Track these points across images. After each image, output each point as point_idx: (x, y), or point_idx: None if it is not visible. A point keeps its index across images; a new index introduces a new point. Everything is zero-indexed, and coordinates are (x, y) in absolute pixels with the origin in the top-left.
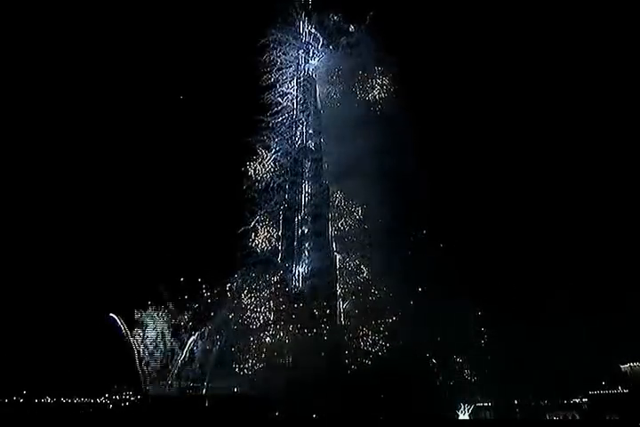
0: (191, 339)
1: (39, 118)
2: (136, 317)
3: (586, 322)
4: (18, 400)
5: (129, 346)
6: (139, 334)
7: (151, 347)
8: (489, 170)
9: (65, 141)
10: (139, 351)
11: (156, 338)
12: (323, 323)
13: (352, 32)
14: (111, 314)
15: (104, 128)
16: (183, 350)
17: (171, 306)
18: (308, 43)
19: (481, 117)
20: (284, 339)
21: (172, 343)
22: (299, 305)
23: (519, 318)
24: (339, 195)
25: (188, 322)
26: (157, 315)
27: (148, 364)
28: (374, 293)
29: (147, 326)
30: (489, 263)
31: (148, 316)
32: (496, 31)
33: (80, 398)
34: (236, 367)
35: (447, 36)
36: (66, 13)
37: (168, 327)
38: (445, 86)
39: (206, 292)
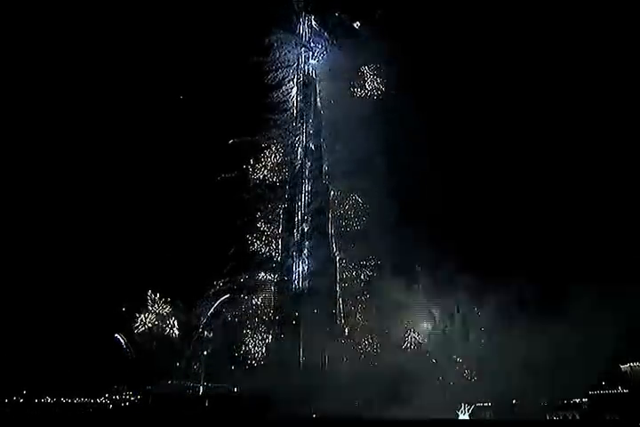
0: (196, 338)
1: (40, 119)
2: (140, 314)
3: (586, 322)
4: (18, 400)
5: (131, 346)
6: (144, 333)
7: (155, 346)
8: (496, 167)
9: (77, 139)
10: (144, 350)
11: (160, 337)
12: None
13: (353, 31)
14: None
15: (112, 126)
16: (188, 350)
17: (179, 304)
18: (309, 42)
19: (484, 115)
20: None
21: (177, 342)
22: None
23: (519, 318)
24: (339, 194)
25: (193, 320)
26: (163, 313)
27: (151, 363)
28: (375, 292)
29: (151, 324)
30: (489, 264)
31: (152, 313)
32: (500, 28)
33: (80, 398)
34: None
35: (449, 34)
36: (70, 12)
37: (173, 326)
38: (447, 85)
39: (211, 291)
